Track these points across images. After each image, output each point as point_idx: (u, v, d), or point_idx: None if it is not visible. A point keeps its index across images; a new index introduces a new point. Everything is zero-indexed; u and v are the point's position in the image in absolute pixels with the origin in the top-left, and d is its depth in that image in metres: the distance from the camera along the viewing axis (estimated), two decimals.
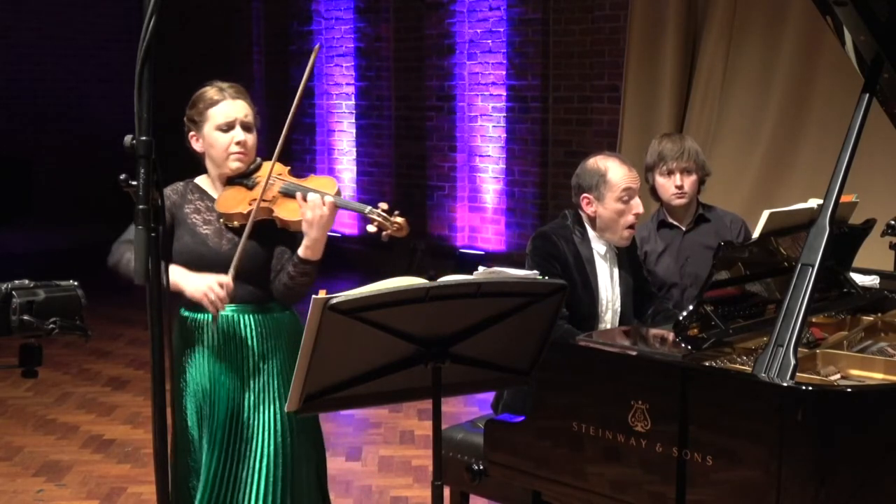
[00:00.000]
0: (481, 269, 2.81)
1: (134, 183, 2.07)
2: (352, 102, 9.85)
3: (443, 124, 8.93)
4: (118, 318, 7.95)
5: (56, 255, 10.31)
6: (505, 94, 8.41)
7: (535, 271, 2.87)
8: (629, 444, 2.77)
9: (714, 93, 6.99)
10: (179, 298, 3.03)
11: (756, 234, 3.16)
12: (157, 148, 2.09)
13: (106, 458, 5.19)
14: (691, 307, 2.94)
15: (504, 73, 8.39)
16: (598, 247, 3.58)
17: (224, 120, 3.04)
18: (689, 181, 3.89)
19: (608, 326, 3.58)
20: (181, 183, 3.15)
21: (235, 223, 3.02)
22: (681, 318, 2.94)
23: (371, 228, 2.95)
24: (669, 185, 3.90)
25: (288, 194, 3.01)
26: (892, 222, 3.84)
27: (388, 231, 2.90)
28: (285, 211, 2.99)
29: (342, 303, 2.26)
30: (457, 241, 8.87)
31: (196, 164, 3.19)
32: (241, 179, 3.07)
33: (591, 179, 3.53)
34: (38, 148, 11.40)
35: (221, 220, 3.05)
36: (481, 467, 3.31)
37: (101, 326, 7.55)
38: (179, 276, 2.92)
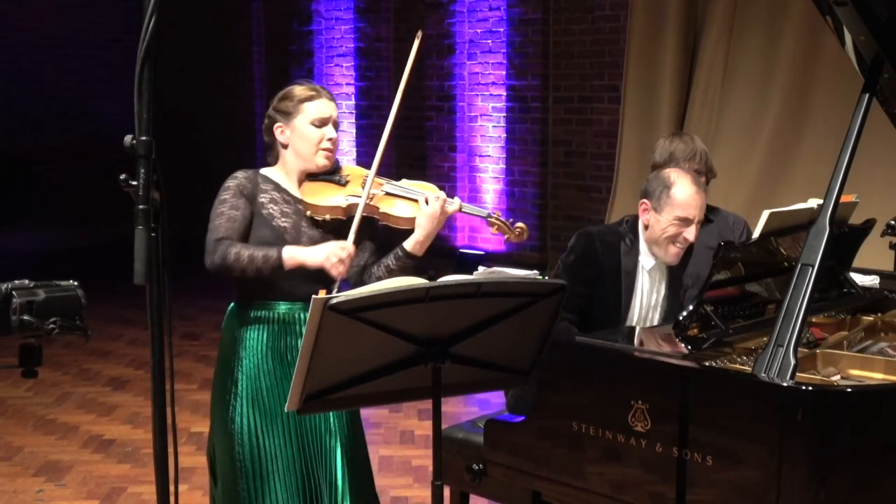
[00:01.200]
0: (481, 269, 2.83)
1: (134, 183, 2.08)
2: (352, 102, 9.84)
3: (443, 124, 8.93)
4: (118, 318, 7.95)
5: (56, 255, 10.31)
6: (505, 94, 8.41)
7: (540, 271, 2.88)
8: (629, 444, 2.77)
9: (714, 92, 6.99)
10: (232, 290, 3.08)
11: (756, 234, 3.16)
12: (156, 147, 2.09)
13: (106, 458, 5.19)
14: (691, 307, 2.94)
15: (504, 73, 8.39)
16: (646, 261, 3.42)
17: (319, 116, 3.10)
18: None
19: None
20: (248, 171, 3.13)
21: (327, 216, 3.06)
22: (681, 318, 2.94)
23: (494, 231, 3.14)
24: None
25: (395, 195, 3.12)
26: (892, 222, 3.84)
27: (509, 237, 3.12)
28: (392, 207, 3.09)
29: (342, 303, 2.26)
30: (457, 241, 8.87)
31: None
32: (326, 176, 3.13)
33: (656, 186, 3.37)
34: (38, 148, 11.38)
35: (308, 211, 3.06)
36: (481, 467, 3.30)
37: (101, 326, 7.56)
38: (295, 252, 2.96)
